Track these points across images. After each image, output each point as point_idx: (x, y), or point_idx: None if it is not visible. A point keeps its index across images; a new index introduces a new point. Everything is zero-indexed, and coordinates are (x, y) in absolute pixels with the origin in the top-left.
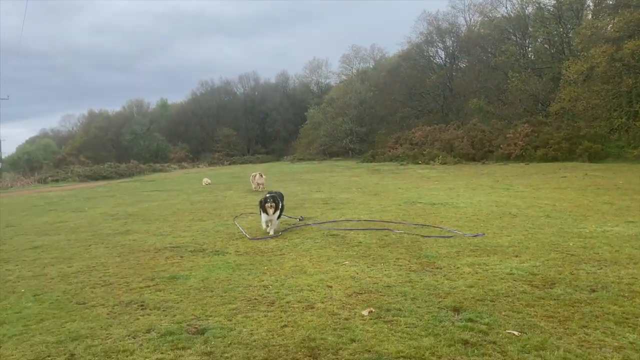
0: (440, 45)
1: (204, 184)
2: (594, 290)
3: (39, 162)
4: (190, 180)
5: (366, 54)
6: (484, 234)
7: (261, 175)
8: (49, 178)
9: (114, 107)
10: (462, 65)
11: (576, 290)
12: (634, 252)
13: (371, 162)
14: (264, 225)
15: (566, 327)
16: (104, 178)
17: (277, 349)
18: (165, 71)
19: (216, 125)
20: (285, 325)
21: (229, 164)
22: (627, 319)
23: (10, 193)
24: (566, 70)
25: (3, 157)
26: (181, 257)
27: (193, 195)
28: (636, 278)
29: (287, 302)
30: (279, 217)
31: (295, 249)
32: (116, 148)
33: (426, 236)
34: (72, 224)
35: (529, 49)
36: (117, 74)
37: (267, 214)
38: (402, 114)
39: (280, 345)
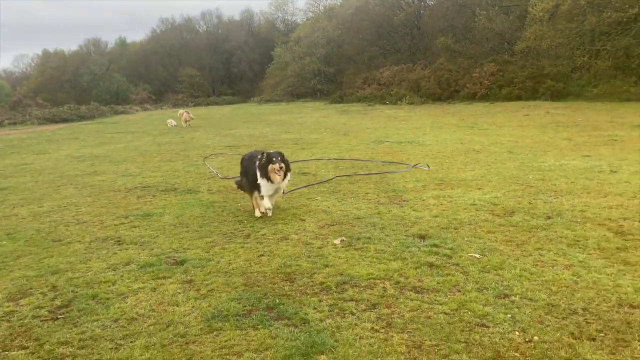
0: None
1: (169, 125)
2: (549, 217)
3: None
4: (155, 122)
5: None
6: (428, 167)
7: (188, 113)
8: (6, 121)
9: (69, 46)
10: (430, 2)
11: (533, 218)
12: (588, 183)
13: (339, 102)
14: (267, 205)
15: (523, 249)
16: (64, 121)
17: (255, 275)
18: (123, 7)
19: (179, 65)
20: (262, 255)
21: (194, 106)
22: (578, 241)
23: None
24: (532, 8)
25: None
26: (153, 196)
27: (159, 136)
28: (588, 206)
29: (262, 235)
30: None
31: None
32: (75, 89)
33: (385, 172)
34: (37, 166)
35: None
36: (71, 10)
37: (271, 181)
38: (370, 53)
39: (258, 272)
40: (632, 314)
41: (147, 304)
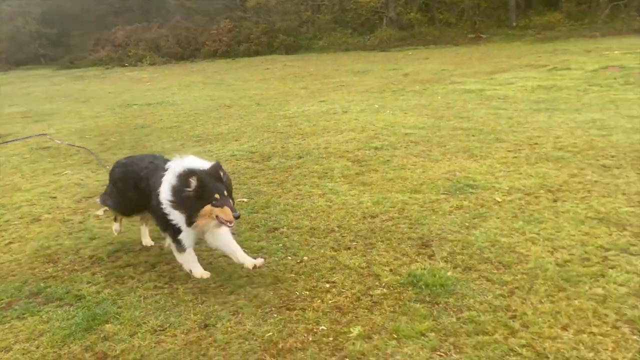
0: None
1: None
2: (300, 157)
3: None
4: None
5: None
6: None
7: None
8: None
9: None
10: None
11: (287, 159)
12: (326, 124)
13: (71, 68)
14: (192, 265)
15: (283, 187)
16: None
17: (8, 265)
18: None
19: None
20: (11, 242)
21: None
22: (326, 173)
23: None
24: None
25: None
26: None
27: None
28: (330, 143)
29: (6, 221)
30: None
31: None
32: None
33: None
34: None
35: None
36: None
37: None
38: (97, 12)
39: (10, 260)
40: (374, 222)
41: None
